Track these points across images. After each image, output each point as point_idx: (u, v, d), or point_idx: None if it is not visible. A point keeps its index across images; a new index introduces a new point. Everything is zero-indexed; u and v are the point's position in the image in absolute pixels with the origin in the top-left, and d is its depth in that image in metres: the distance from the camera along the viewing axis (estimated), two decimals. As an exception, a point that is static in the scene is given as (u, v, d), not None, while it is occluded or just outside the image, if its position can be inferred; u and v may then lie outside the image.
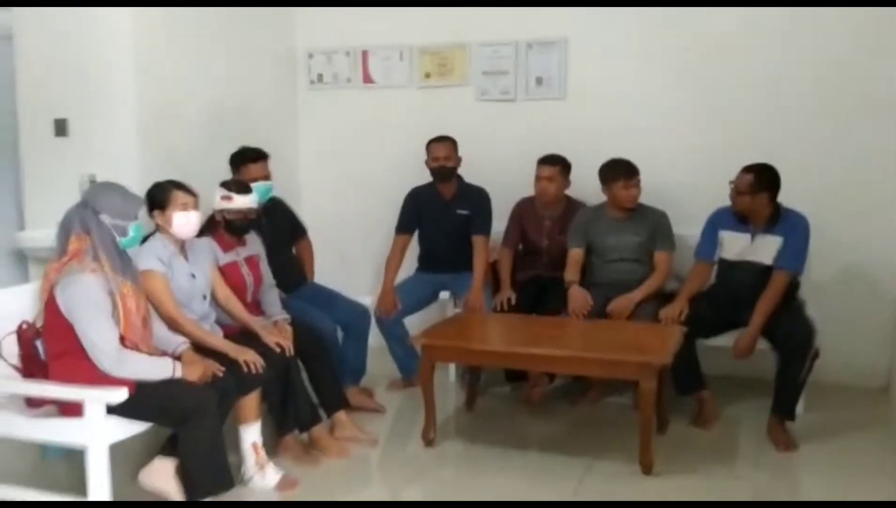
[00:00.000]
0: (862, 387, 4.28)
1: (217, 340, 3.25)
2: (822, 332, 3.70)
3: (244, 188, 3.58)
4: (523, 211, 4.40)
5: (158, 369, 2.85)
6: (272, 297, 3.74)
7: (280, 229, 4.12)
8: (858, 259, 4.29)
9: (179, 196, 3.20)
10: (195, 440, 2.85)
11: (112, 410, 2.76)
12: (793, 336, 3.59)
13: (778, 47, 4.32)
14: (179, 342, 3.07)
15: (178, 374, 2.86)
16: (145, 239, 3.24)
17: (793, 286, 3.81)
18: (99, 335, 2.75)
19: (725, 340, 3.82)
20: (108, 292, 2.79)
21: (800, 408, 3.77)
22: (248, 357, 3.16)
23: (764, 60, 4.34)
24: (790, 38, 4.29)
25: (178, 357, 2.99)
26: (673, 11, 4.44)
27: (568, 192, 4.35)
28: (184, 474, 2.92)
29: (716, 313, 3.80)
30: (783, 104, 4.34)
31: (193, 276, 3.31)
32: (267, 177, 3.97)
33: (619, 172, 4.03)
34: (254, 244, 3.73)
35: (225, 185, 3.58)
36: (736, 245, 3.83)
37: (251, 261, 3.67)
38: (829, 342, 3.86)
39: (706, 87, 4.46)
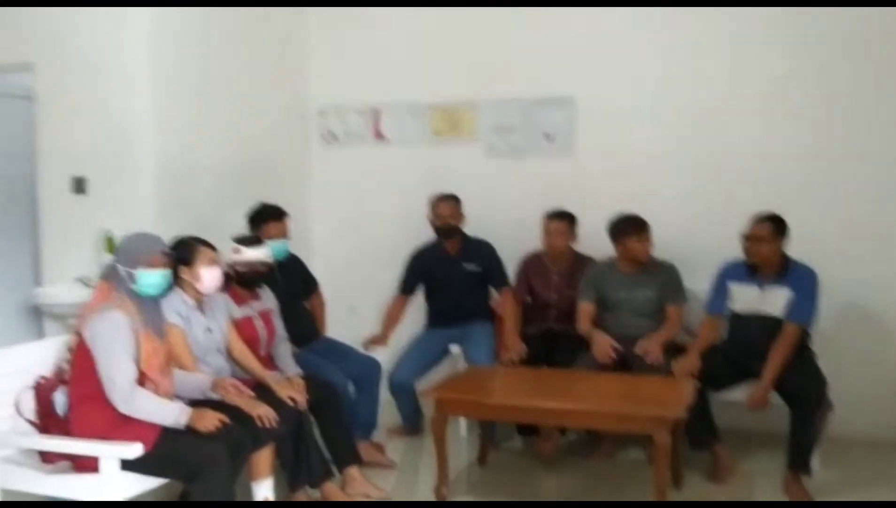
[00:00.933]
0: (877, 441, 4.24)
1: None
2: (835, 385, 3.70)
3: (254, 241, 3.65)
4: (530, 266, 4.45)
5: (167, 412, 2.85)
6: (285, 351, 3.77)
7: (294, 284, 4.17)
8: (869, 311, 4.29)
9: (207, 253, 3.28)
10: (206, 496, 2.83)
11: (126, 465, 2.77)
12: (805, 390, 3.58)
13: (783, 104, 4.39)
14: (201, 380, 3.10)
15: (184, 420, 2.84)
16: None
17: (804, 338, 3.82)
18: (117, 368, 2.78)
19: (738, 393, 3.81)
20: (132, 331, 2.84)
21: (816, 464, 3.74)
22: (262, 412, 3.15)
23: (768, 116, 4.42)
24: (796, 95, 4.36)
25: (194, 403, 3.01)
26: (678, 70, 4.55)
27: (574, 246, 4.39)
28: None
29: (728, 366, 3.81)
30: (788, 157, 4.39)
31: (210, 330, 3.34)
32: (285, 235, 4.03)
33: (631, 227, 4.07)
34: (267, 299, 3.77)
35: (236, 239, 3.65)
36: (745, 297, 3.85)
37: (265, 315, 3.71)
38: (842, 396, 3.85)
39: (710, 143, 4.53)
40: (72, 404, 2.91)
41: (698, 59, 4.52)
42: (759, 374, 3.70)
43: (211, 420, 2.92)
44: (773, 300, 3.77)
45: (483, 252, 4.49)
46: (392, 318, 4.54)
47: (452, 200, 4.45)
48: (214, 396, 3.11)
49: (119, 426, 2.81)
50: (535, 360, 4.13)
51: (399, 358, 4.43)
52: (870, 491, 3.66)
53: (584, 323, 4.11)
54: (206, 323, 3.34)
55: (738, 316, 3.89)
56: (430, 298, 4.61)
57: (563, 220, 4.31)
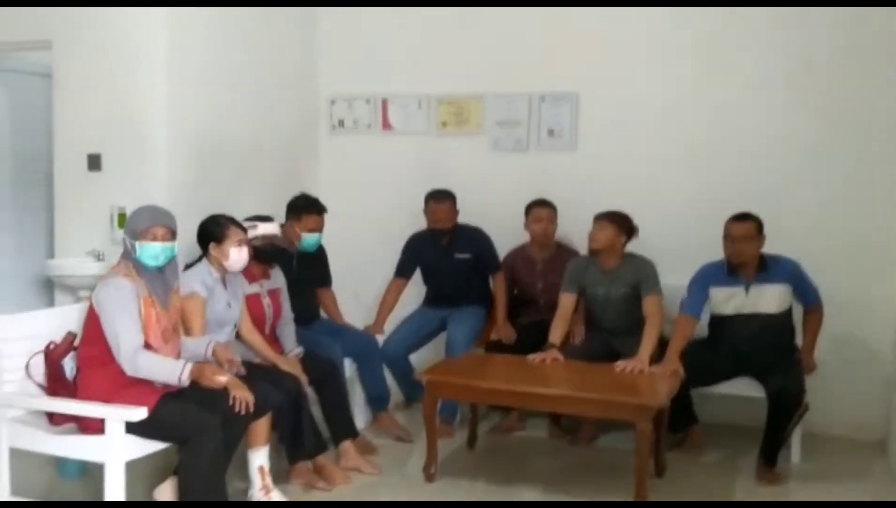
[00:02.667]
0: (857, 440, 4.33)
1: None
2: (818, 383, 3.82)
3: (265, 218, 3.83)
4: (515, 260, 4.58)
5: (169, 370, 2.98)
6: (289, 331, 3.92)
7: (312, 269, 4.32)
8: (853, 312, 4.34)
9: (237, 233, 3.47)
10: (194, 460, 2.93)
11: (128, 427, 2.89)
12: (784, 393, 3.69)
13: (779, 112, 4.48)
14: (200, 344, 3.22)
15: (186, 377, 2.96)
16: (189, 266, 3.51)
17: (791, 337, 3.94)
18: (122, 331, 2.93)
19: (723, 388, 3.95)
20: (137, 297, 2.99)
21: (796, 458, 3.89)
22: (239, 395, 3.04)
23: (772, 117, 4.51)
24: (799, 97, 4.45)
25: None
26: (682, 69, 4.65)
27: (574, 239, 4.52)
28: (180, 492, 3.03)
29: (715, 366, 3.90)
30: (785, 160, 4.48)
31: (229, 305, 3.54)
32: (321, 230, 4.17)
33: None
34: (277, 279, 3.93)
35: (248, 218, 3.80)
36: (732, 300, 3.88)
37: (273, 294, 3.87)
38: (825, 394, 3.95)
39: (712, 141, 4.62)
40: (79, 366, 3.06)
41: (703, 59, 4.61)
42: (747, 372, 3.85)
43: (212, 376, 3.02)
44: (762, 297, 3.84)
45: (474, 240, 4.59)
46: (387, 302, 4.64)
47: (449, 200, 4.51)
48: (213, 360, 3.22)
49: (123, 388, 2.95)
50: (526, 349, 4.23)
51: (393, 331, 4.58)
52: (848, 487, 3.75)
53: (557, 317, 4.11)
54: (227, 298, 3.52)
55: (725, 318, 3.91)
56: (425, 281, 4.77)
57: (551, 207, 4.46)
